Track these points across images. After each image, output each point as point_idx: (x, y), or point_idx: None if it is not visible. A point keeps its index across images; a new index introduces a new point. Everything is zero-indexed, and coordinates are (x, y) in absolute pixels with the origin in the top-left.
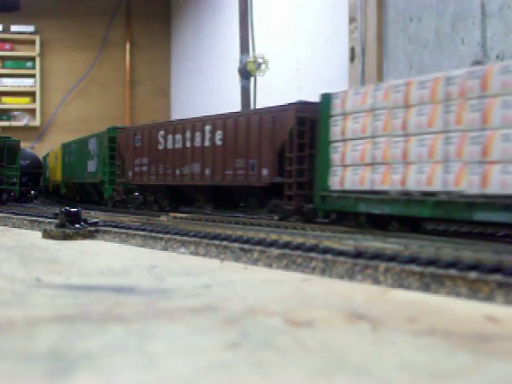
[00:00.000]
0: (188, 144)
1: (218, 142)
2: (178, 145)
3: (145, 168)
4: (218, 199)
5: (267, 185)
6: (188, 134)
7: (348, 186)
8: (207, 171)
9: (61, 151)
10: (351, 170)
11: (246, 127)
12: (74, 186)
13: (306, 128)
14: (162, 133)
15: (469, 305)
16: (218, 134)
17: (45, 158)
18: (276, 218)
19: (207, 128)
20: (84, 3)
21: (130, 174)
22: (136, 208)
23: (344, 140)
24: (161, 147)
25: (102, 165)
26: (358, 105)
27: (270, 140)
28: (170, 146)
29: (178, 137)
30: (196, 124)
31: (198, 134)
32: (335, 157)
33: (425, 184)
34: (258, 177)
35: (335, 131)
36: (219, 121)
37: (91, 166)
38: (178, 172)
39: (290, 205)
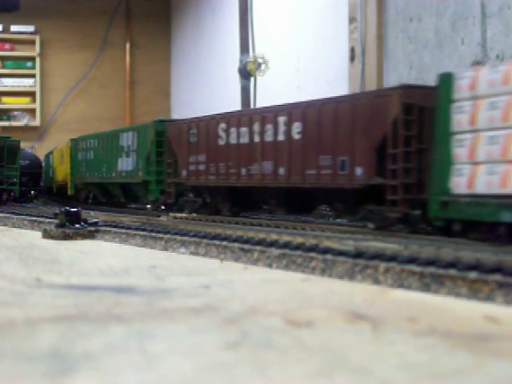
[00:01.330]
0: (257, 138)
1: (296, 136)
2: (244, 139)
3: (202, 167)
4: (292, 203)
5: (362, 187)
6: (256, 127)
7: (481, 189)
8: (282, 170)
9: (70, 148)
10: (486, 169)
11: (334, 117)
12: (89, 187)
13: (414, 117)
14: (223, 126)
15: (469, 305)
16: (296, 127)
17: (47, 156)
18: (371, 226)
19: (281, 119)
20: (84, 3)
21: (184, 173)
22: (192, 212)
23: (474, 131)
24: (222, 142)
25: (145, 162)
26: (496, 85)
27: (366, 132)
28: (233, 140)
29: (244, 130)
30: (266, 115)
31: (269, 126)
32: (460, 152)
33: None
34: (349, 177)
35: (460, 120)
36: (297, 110)
37: (125, 163)
38: (243, 171)
39: (394, 211)
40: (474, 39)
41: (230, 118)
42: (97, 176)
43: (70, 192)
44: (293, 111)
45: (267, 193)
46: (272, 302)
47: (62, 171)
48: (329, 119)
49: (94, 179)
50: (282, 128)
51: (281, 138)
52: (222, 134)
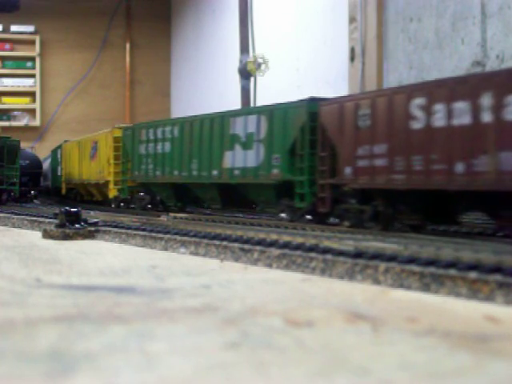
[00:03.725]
0: (486, 117)
1: None
2: (461, 120)
3: (380, 161)
4: None
5: None
6: (485, 100)
7: None
8: None
9: (121, 138)
10: None
11: None
12: (156, 188)
13: None
14: (418, 101)
15: (469, 305)
16: None
17: (54, 151)
18: None
19: None
20: (84, 3)
21: (349, 171)
22: (356, 225)
23: None
24: (417, 126)
25: (288, 156)
26: None
27: None
28: (439, 122)
29: (461, 106)
30: (506, 79)
31: (511, 97)
32: None
33: None
34: None
35: None
36: None
37: (241, 157)
38: (459, 168)
39: None
40: (474, 39)
41: (433, 89)
42: (178, 175)
43: (118, 194)
44: None
45: (498, 200)
46: (272, 302)
47: (87, 168)
48: None
49: (171, 179)
50: None
51: None
52: (417, 113)
